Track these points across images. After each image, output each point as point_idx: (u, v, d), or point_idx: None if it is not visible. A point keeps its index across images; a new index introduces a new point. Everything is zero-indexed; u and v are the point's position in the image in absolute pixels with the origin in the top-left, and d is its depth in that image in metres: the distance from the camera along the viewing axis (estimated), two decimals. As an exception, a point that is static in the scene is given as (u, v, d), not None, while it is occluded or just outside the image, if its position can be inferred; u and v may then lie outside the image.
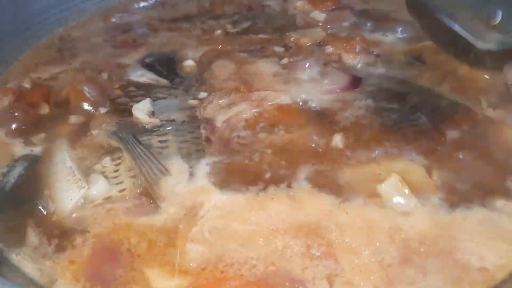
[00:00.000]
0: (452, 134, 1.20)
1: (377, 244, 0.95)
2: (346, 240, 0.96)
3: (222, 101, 1.29)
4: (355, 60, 1.48)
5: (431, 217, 1.00)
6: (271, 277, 0.91)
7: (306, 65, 1.43)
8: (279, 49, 1.55)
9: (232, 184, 1.08)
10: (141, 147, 1.15)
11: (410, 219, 1.00)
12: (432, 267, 0.92)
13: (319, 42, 1.58)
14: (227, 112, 1.26)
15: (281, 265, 0.92)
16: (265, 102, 1.29)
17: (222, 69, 1.45)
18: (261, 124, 1.24)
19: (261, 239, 0.97)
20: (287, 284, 0.90)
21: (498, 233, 0.98)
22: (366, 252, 0.94)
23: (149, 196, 1.06)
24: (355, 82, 1.38)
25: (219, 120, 1.24)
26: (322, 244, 0.96)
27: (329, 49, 1.52)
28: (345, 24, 1.70)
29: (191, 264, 0.93)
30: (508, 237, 0.97)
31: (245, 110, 1.27)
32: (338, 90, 1.35)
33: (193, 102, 1.33)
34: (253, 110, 1.27)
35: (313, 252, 0.94)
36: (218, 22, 1.78)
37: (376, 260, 0.93)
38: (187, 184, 1.08)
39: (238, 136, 1.21)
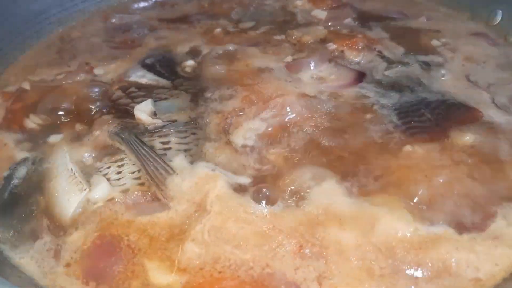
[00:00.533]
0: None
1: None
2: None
3: (241, 119, 1.26)
4: (358, 57, 1.48)
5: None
6: (267, 279, 0.91)
7: (311, 63, 1.42)
8: (282, 47, 1.55)
9: (238, 182, 1.08)
10: (145, 148, 1.14)
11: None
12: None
13: (321, 40, 1.57)
14: (254, 128, 1.23)
15: (277, 267, 0.93)
16: (282, 107, 1.27)
17: (226, 70, 1.45)
18: (283, 129, 1.23)
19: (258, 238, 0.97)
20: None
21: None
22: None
23: (155, 196, 1.06)
24: (360, 77, 1.39)
25: (253, 139, 1.21)
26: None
27: (332, 46, 1.52)
28: (346, 21, 1.70)
29: (190, 261, 0.94)
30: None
31: (265, 120, 1.25)
32: (344, 86, 1.36)
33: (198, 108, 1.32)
34: (272, 118, 1.25)
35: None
36: (218, 21, 1.77)
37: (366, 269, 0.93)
38: (193, 183, 1.07)
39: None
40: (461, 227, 0.99)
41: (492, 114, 1.25)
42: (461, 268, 0.92)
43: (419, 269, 0.92)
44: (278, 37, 1.61)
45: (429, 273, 0.92)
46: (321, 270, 0.92)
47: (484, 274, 0.92)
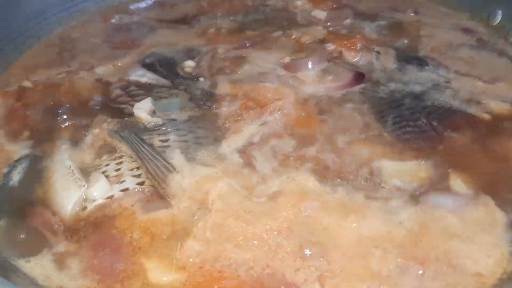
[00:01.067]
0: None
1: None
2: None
3: (239, 123, 1.25)
4: (356, 57, 1.48)
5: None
6: (267, 279, 0.91)
7: (309, 63, 1.42)
8: (280, 47, 1.55)
9: (239, 180, 1.08)
10: (145, 146, 1.14)
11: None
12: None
13: (320, 40, 1.58)
14: (252, 131, 1.23)
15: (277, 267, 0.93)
16: (280, 111, 1.27)
17: (225, 70, 1.46)
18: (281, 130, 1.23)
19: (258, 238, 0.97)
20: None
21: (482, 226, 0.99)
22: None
23: (155, 194, 1.06)
24: (359, 77, 1.38)
25: (251, 142, 1.20)
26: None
27: (330, 46, 1.52)
28: (346, 22, 1.70)
29: (190, 260, 0.94)
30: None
31: (263, 123, 1.25)
32: (342, 86, 1.35)
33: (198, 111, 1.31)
34: (270, 120, 1.25)
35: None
36: (217, 22, 1.77)
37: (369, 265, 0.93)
38: (193, 180, 1.07)
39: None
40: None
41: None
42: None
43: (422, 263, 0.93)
44: (277, 37, 1.62)
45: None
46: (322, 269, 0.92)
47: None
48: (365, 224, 0.98)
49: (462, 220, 1.00)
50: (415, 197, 1.04)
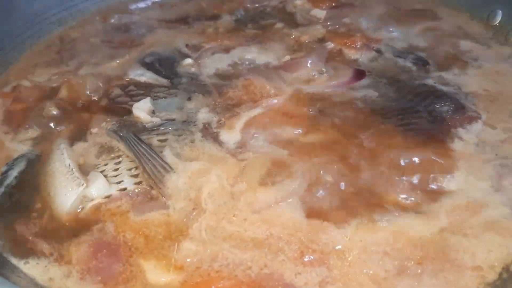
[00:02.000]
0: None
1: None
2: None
3: (235, 118, 1.25)
4: (356, 55, 1.49)
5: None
6: (265, 280, 0.91)
7: (309, 62, 1.42)
8: (280, 46, 1.55)
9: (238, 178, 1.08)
10: (143, 146, 1.14)
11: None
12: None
13: (319, 39, 1.58)
14: (248, 129, 1.22)
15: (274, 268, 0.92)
16: (279, 109, 1.27)
17: (223, 70, 1.46)
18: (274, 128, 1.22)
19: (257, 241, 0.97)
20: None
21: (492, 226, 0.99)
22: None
23: (153, 194, 1.06)
24: (359, 75, 1.38)
25: (247, 139, 1.20)
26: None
27: (330, 45, 1.53)
28: (345, 21, 1.70)
29: (188, 260, 0.94)
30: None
31: (261, 121, 1.25)
32: (343, 84, 1.35)
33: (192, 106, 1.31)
34: (269, 119, 1.25)
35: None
36: (216, 21, 1.77)
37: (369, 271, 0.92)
38: (186, 178, 1.08)
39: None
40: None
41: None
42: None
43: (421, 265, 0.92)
44: (276, 37, 1.62)
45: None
46: (324, 275, 0.92)
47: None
48: (368, 230, 0.98)
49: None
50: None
